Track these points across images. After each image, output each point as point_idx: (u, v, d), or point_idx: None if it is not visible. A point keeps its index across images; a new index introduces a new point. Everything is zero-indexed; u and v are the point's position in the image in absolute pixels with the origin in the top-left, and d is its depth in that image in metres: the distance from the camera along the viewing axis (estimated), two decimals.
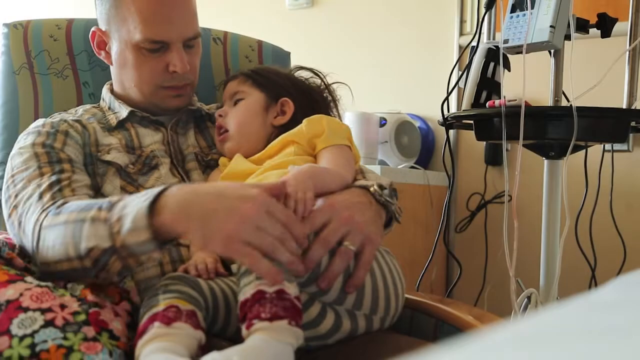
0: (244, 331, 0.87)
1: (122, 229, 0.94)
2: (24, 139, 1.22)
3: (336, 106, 1.35)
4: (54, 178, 1.12)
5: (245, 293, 0.89)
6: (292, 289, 0.90)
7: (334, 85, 1.35)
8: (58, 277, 1.02)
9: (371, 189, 1.10)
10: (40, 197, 1.09)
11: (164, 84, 1.28)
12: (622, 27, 1.68)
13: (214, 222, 0.91)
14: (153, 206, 0.93)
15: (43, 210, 1.06)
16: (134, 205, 0.95)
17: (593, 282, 1.96)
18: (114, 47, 1.28)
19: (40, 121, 1.26)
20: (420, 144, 2.48)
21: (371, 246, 1.02)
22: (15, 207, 1.11)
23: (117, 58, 1.29)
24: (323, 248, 0.97)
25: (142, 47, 1.24)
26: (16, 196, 1.13)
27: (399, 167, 2.35)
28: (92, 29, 1.31)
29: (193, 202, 0.94)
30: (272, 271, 0.89)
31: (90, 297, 0.97)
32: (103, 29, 1.29)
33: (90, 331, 0.91)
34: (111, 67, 1.33)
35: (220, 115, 1.29)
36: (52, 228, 1.02)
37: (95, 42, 1.31)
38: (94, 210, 0.99)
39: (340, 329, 1.02)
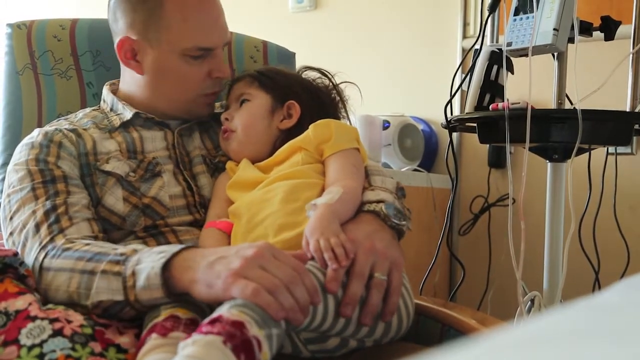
0: (180, 344, 0.82)
1: (136, 284, 0.95)
2: (19, 153, 1.21)
3: (344, 107, 1.33)
4: (48, 205, 1.11)
5: (213, 314, 0.85)
6: (254, 329, 0.82)
7: (342, 85, 1.33)
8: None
9: (381, 214, 1.09)
10: (37, 229, 1.09)
11: (206, 90, 1.28)
12: (626, 30, 1.68)
13: (217, 267, 0.91)
14: (167, 264, 0.94)
15: (41, 247, 1.06)
16: (149, 260, 0.96)
17: (597, 285, 1.96)
18: (150, 56, 1.25)
19: (35, 131, 1.25)
20: (423, 146, 2.48)
21: (397, 271, 1.01)
22: (12, 234, 1.12)
23: (155, 67, 1.26)
24: (360, 282, 0.96)
25: (187, 54, 1.24)
26: (11, 219, 1.13)
27: (402, 169, 2.35)
28: (119, 38, 1.26)
29: (199, 255, 0.95)
30: (274, 305, 0.85)
31: (95, 316, 0.97)
32: (134, 38, 1.25)
33: (97, 347, 0.91)
34: (137, 76, 1.29)
35: (227, 119, 1.27)
36: (56, 272, 1.02)
37: (122, 52, 1.27)
38: (105, 263, 0.99)
39: (347, 346, 1.01)
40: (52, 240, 1.07)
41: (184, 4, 1.23)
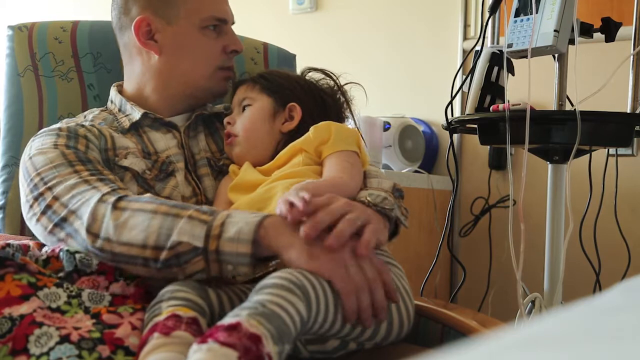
0: (194, 346, 0.81)
1: (222, 235, 0.96)
2: (42, 140, 1.19)
3: (349, 108, 1.33)
4: (95, 173, 1.11)
5: (226, 319, 0.84)
6: (269, 345, 0.81)
7: (347, 86, 1.33)
8: (113, 260, 1.01)
9: (365, 201, 1.08)
10: (91, 185, 1.07)
11: (223, 64, 1.32)
12: (626, 31, 1.68)
13: (321, 242, 0.94)
14: (261, 223, 0.96)
15: (106, 193, 1.05)
16: (242, 217, 0.97)
17: (597, 286, 1.96)
18: (169, 33, 1.28)
19: (55, 125, 1.25)
20: (424, 148, 2.48)
21: (372, 226, 0.99)
22: (56, 197, 1.08)
23: (174, 43, 1.28)
24: (327, 214, 0.95)
25: (206, 25, 1.29)
26: (50, 189, 1.09)
27: (403, 171, 2.35)
28: (137, 18, 1.27)
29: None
30: (354, 309, 0.91)
31: (105, 316, 0.95)
32: (152, 17, 1.27)
33: (105, 350, 0.90)
34: (152, 61, 1.30)
35: (229, 123, 1.28)
36: (134, 212, 1.01)
37: (141, 33, 1.28)
38: (192, 210, 1.00)
39: (347, 348, 1.01)
40: (115, 191, 1.06)
41: None
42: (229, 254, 0.95)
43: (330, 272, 0.91)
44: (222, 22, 1.31)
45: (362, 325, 0.94)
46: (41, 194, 1.10)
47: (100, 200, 1.04)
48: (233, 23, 1.36)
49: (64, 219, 1.06)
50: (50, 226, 1.08)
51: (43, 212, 1.09)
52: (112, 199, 1.04)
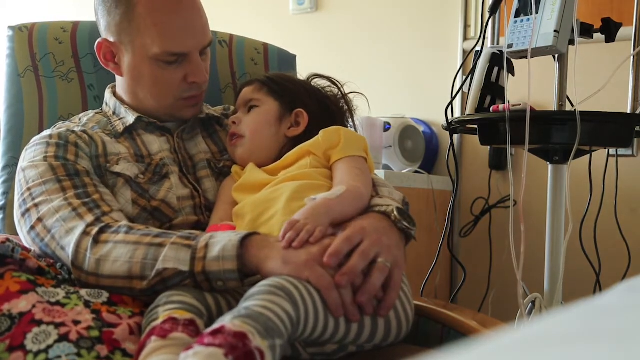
0: (181, 355, 0.81)
1: (207, 255, 0.97)
2: (33, 151, 1.20)
3: (352, 116, 1.34)
4: (81, 194, 1.11)
5: (215, 324, 0.84)
6: (257, 340, 0.81)
7: (350, 95, 1.34)
8: (102, 289, 1.02)
9: (392, 216, 1.09)
10: (76, 212, 1.08)
11: (183, 94, 1.27)
12: (627, 31, 1.68)
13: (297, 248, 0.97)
14: (243, 240, 0.98)
15: (89, 224, 1.06)
16: (225, 236, 1.00)
17: (598, 286, 1.96)
18: (126, 59, 1.25)
19: (46, 132, 1.24)
20: (424, 148, 2.48)
21: (399, 270, 1.01)
22: (40, 219, 1.10)
23: (131, 70, 1.26)
24: (361, 258, 0.97)
25: (159, 59, 1.22)
26: (37, 206, 1.11)
27: (403, 171, 2.35)
28: (98, 40, 1.27)
29: (273, 239, 1.00)
30: (338, 303, 0.93)
31: (105, 314, 0.96)
32: (111, 40, 1.25)
33: (103, 350, 0.91)
34: (120, 77, 1.31)
35: (234, 122, 1.28)
36: (116, 244, 1.03)
37: (102, 54, 1.27)
38: (176, 237, 1.02)
39: (346, 350, 1.02)
40: (98, 220, 1.07)
41: (154, 7, 1.20)
42: (216, 272, 0.97)
43: (306, 272, 0.93)
44: (180, 56, 1.23)
45: (350, 319, 0.95)
46: (28, 210, 1.12)
47: (84, 232, 1.05)
48: (207, 47, 1.27)
49: (48, 245, 1.08)
50: (37, 248, 1.10)
51: (28, 232, 1.12)
52: (95, 230, 1.05)
